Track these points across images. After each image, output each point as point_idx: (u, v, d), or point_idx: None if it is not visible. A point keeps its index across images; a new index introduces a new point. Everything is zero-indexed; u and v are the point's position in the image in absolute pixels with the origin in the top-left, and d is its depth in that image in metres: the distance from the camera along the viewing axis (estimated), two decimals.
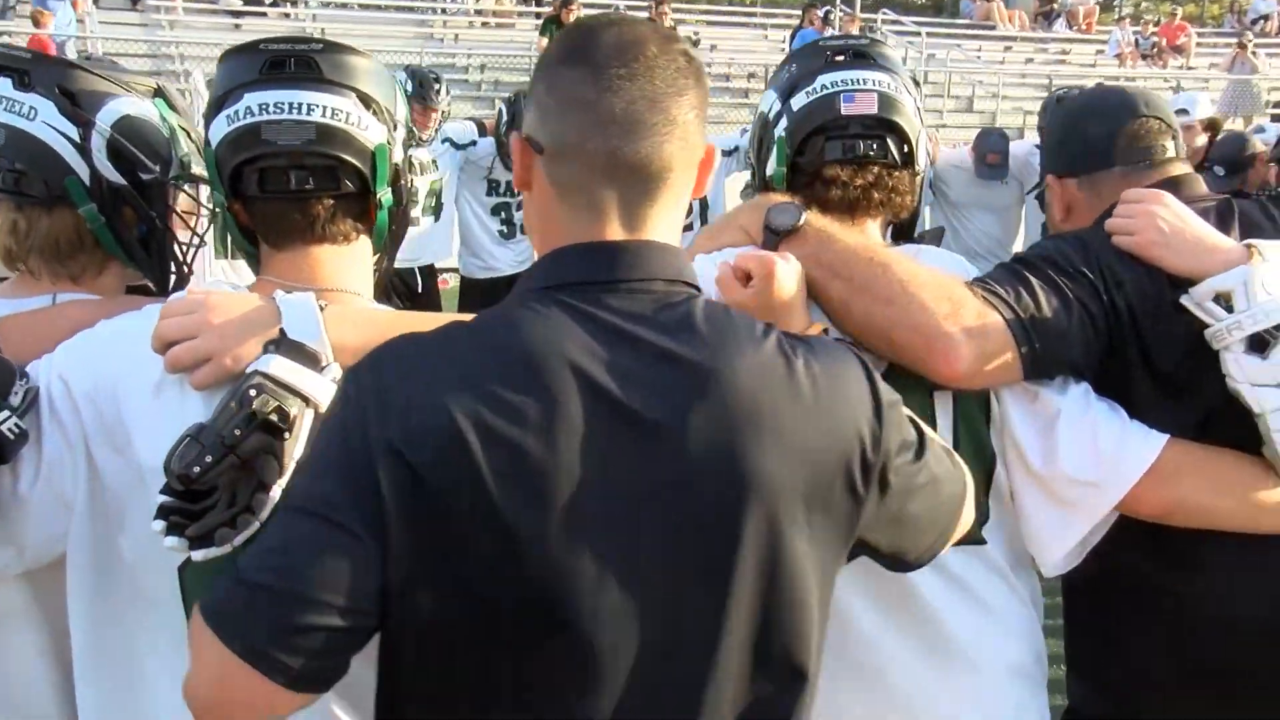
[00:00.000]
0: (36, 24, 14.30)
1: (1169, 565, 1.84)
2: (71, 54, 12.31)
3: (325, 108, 1.51)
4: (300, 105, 1.50)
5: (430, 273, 6.75)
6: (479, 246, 6.85)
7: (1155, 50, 21.49)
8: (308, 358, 1.39)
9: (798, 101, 1.90)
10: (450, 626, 1.16)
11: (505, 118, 6.47)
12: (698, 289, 1.32)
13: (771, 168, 1.94)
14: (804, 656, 1.25)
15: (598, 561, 1.15)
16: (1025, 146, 6.63)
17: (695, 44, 16.52)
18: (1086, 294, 1.77)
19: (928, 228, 6.08)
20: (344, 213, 1.56)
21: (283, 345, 1.40)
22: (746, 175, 7.32)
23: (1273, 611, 1.79)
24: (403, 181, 1.63)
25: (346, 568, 1.11)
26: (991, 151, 6.69)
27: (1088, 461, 1.71)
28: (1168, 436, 1.73)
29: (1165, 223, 1.82)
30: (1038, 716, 1.87)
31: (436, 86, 6.26)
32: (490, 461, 1.12)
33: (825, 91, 1.88)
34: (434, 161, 6.39)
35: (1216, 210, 1.91)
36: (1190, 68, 20.99)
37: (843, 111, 1.86)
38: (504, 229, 6.80)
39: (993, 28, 22.42)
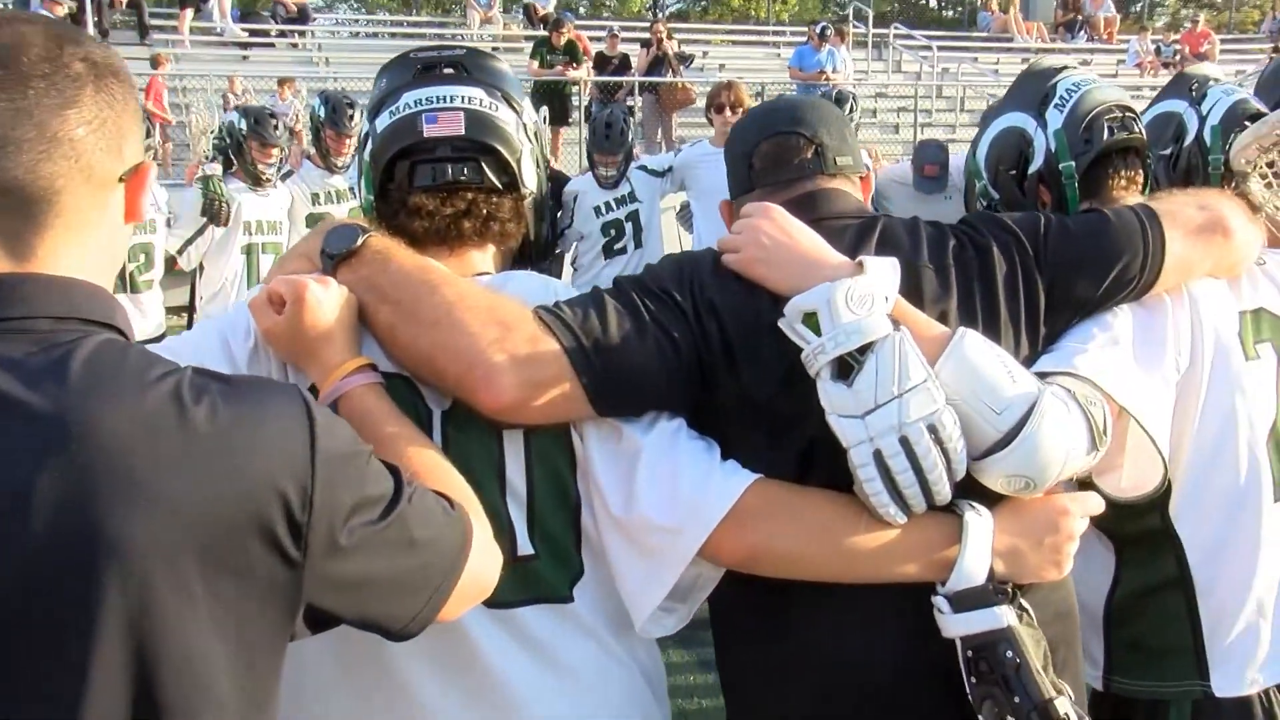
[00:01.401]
0: None
1: (765, 613, 1.66)
2: None
3: None
4: None
5: None
6: None
7: (1177, 58, 21.01)
8: None
9: (382, 122, 1.72)
10: None
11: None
12: (105, 325, 1.16)
13: (361, 196, 1.77)
14: None
15: None
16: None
17: (686, 61, 16.46)
18: (671, 319, 1.59)
19: None
20: None
21: None
22: (682, 196, 7.21)
23: (866, 660, 1.61)
24: None
25: None
26: (929, 163, 6.50)
27: (667, 505, 1.53)
28: (755, 477, 1.55)
29: (768, 238, 1.64)
30: None
31: (350, 112, 6.15)
32: None
33: (408, 111, 1.70)
34: (351, 189, 6.30)
35: (858, 228, 1.73)
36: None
37: (424, 134, 1.68)
38: None
39: (1011, 40, 22.08)
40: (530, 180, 1.76)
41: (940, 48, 20.03)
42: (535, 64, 14.62)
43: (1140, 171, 2.07)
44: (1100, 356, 1.68)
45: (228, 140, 6.06)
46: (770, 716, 1.70)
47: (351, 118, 6.16)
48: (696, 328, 1.60)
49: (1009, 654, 1.48)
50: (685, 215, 7.31)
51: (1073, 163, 2.00)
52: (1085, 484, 1.77)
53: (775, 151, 1.83)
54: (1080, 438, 1.55)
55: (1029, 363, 1.67)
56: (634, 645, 1.69)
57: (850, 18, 20.13)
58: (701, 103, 8.95)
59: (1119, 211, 1.84)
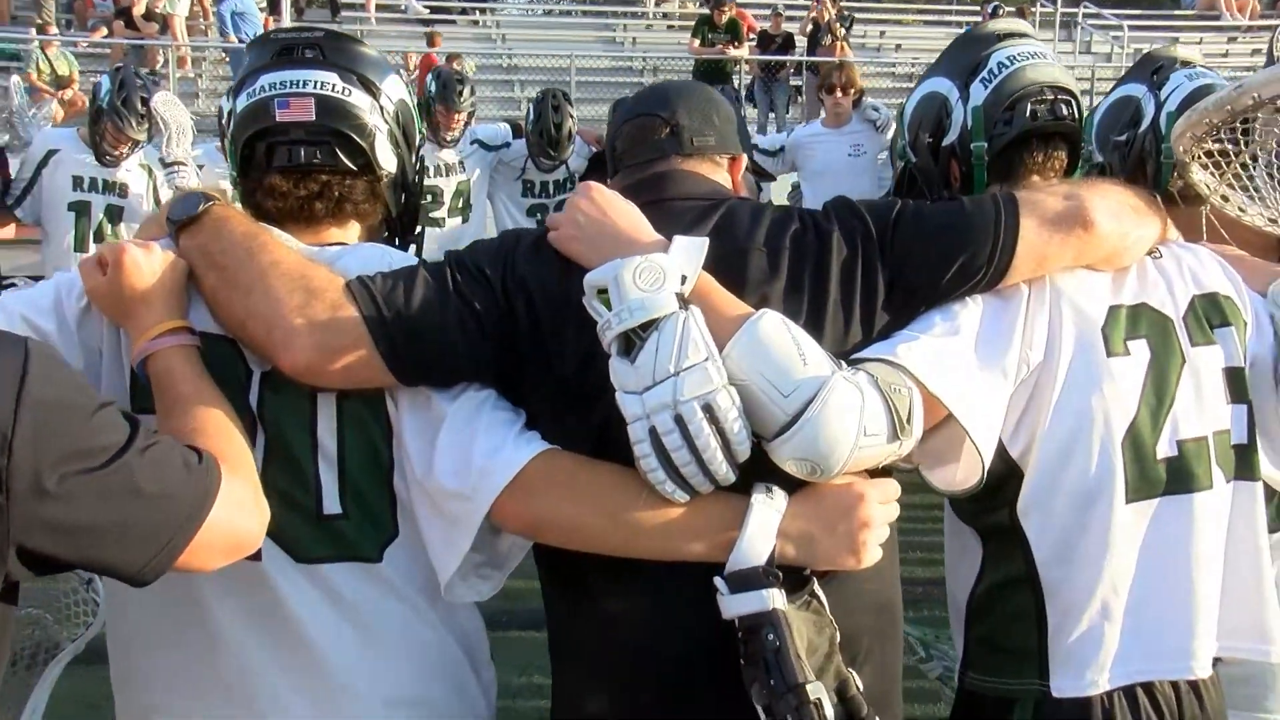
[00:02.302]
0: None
1: (568, 589, 1.69)
2: None
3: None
4: None
5: None
6: None
7: None
8: None
9: (240, 103, 1.81)
10: None
11: (533, 118, 6.51)
12: None
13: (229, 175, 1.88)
14: None
15: None
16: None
17: (846, 23, 15.99)
18: (477, 293, 1.64)
19: None
20: None
21: None
22: (794, 176, 7.16)
23: (659, 639, 1.63)
24: None
25: None
26: None
27: (460, 472, 1.59)
28: (545, 447, 1.60)
29: (584, 215, 1.67)
30: None
31: (460, 88, 6.34)
32: None
33: (262, 95, 1.78)
34: (461, 163, 6.50)
35: (699, 210, 1.74)
36: None
37: (276, 118, 1.76)
38: None
39: (1217, 17, 20.75)
40: (387, 162, 1.83)
41: (1133, 27, 19.01)
42: (696, 42, 14.64)
43: (1063, 158, 1.99)
44: (928, 346, 1.64)
45: None
46: (577, 693, 1.74)
47: (461, 93, 6.34)
48: (503, 302, 1.64)
49: (770, 637, 1.48)
50: (796, 195, 7.26)
51: (985, 143, 1.95)
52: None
53: (633, 133, 1.86)
54: (877, 424, 1.52)
55: (861, 349, 1.65)
56: (451, 611, 1.75)
57: None
58: (867, 83, 8.81)
59: (978, 199, 1.79)
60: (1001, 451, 1.74)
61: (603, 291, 1.55)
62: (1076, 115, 1.98)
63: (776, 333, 1.53)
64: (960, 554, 1.91)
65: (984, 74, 1.95)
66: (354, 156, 1.79)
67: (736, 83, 14.66)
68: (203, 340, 1.63)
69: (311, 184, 1.78)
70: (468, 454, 1.59)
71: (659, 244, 1.62)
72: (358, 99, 1.80)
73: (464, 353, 1.63)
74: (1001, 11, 15.11)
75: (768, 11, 16.57)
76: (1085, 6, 19.96)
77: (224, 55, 15.78)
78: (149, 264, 1.62)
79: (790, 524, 1.56)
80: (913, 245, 1.71)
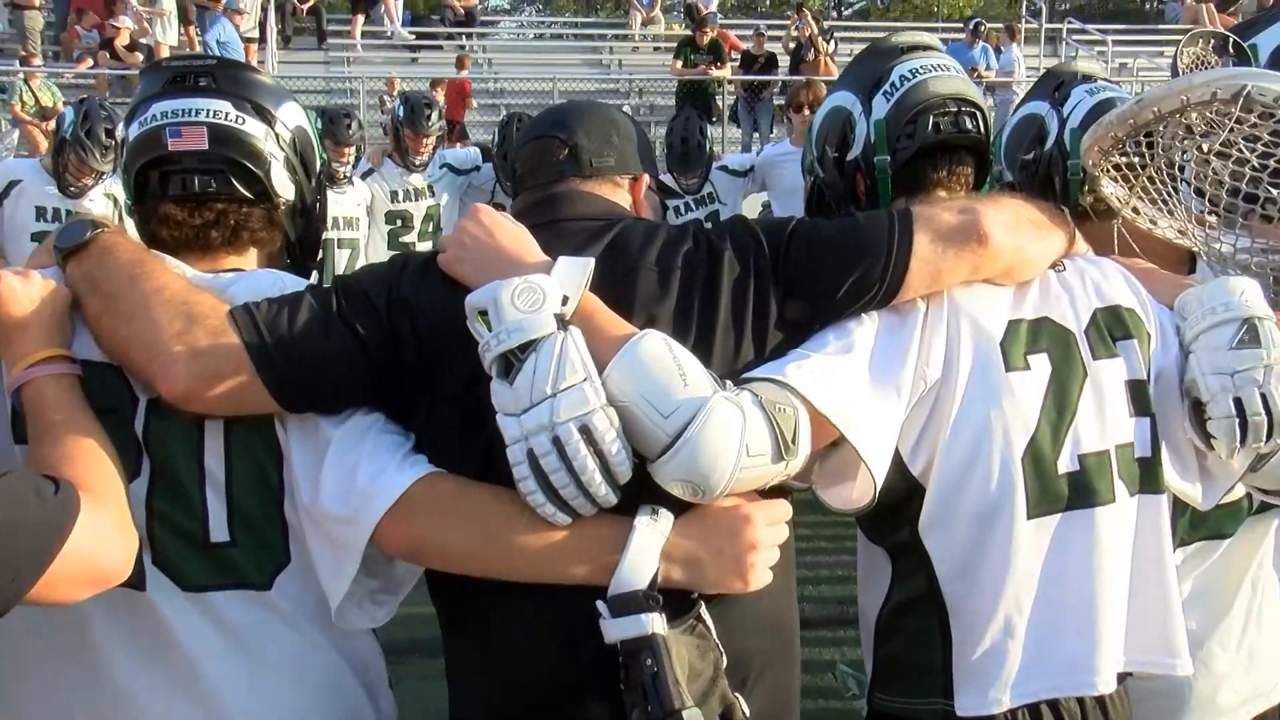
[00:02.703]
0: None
1: (456, 609, 1.69)
2: None
3: None
4: None
5: None
6: None
7: None
8: None
9: (132, 131, 1.80)
10: None
11: (498, 141, 6.52)
12: None
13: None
14: None
15: None
16: None
17: (828, 35, 16.10)
18: (363, 318, 1.63)
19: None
20: None
21: None
22: (764, 195, 7.16)
23: (539, 662, 1.62)
24: None
25: None
26: None
27: (344, 496, 1.57)
28: (428, 470, 1.58)
29: (470, 237, 1.66)
30: None
31: (428, 113, 6.36)
32: None
33: (154, 124, 1.77)
34: (430, 187, 6.51)
35: (593, 231, 1.73)
36: None
37: (169, 148, 1.76)
38: None
39: None
40: (283, 189, 1.84)
41: (1117, 42, 19.10)
42: (679, 64, 14.69)
43: (969, 171, 1.99)
44: (819, 364, 1.63)
45: None
46: (464, 713, 1.72)
47: (429, 118, 6.36)
48: (387, 326, 1.63)
49: (649, 662, 1.46)
50: (767, 214, 7.28)
51: (887, 157, 1.94)
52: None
53: (532, 155, 1.86)
54: (760, 444, 1.51)
55: (753, 368, 1.64)
56: (347, 638, 1.73)
57: (1023, 13, 19.43)
58: None
59: (873, 215, 1.78)
60: (902, 469, 1.73)
61: (484, 313, 1.54)
62: (982, 128, 1.97)
63: (657, 353, 1.52)
64: (871, 572, 1.89)
65: (886, 87, 1.95)
66: (249, 185, 1.79)
67: (720, 103, 14.70)
68: (88, 368, 1.62)
69: (207, 213, 1.78)
70: (352, 478, 1.57)
71: (543, 265, 1.61)
72: (251, 127, 1.80)
73: (348, 378, 1.62)
74: (983, 28, 15.18)
75: (750, 32, 16.65)
76: (1070, 22, 20.11)
77: None
78: (26, 292, 1.61)
79: (675, 546, 1.54)
80: (806, 263, 1.70)
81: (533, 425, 1.47)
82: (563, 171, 1.81)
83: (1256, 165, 1.86)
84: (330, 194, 6.10)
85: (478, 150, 6.98)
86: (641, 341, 1.52)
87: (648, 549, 1.52)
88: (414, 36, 18.70)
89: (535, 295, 1.52)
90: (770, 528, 1.59)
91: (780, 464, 1.54)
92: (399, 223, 6.48)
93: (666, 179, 6.41)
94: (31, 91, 14.10)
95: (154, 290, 1.61)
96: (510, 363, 1.50)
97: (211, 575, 1.64)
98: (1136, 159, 1.97)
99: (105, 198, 5.74)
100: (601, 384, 1.49)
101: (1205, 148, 1.86)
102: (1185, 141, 1.91)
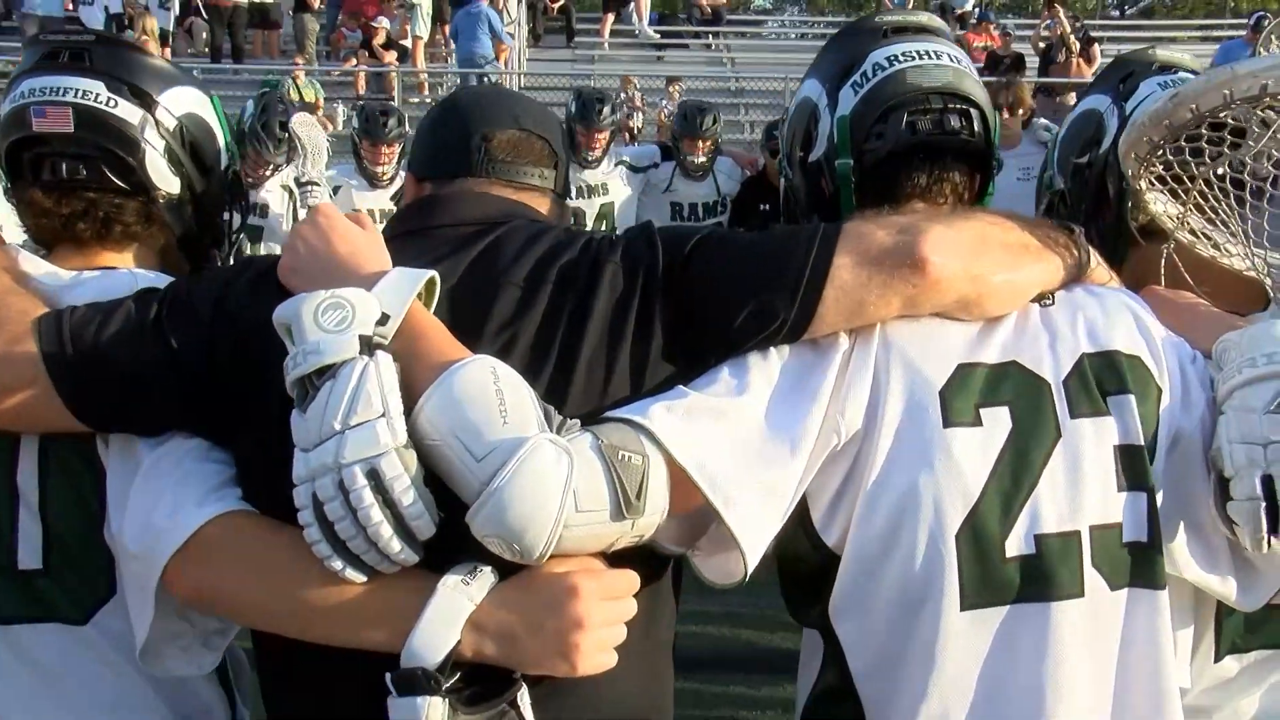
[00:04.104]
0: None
1: (263, 663, 1.48)
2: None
3: None
4: None
5: None
6: None
7: None
8: None
9: (4, 107, 1.68)
10: None
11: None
12: None
13: None
14: None
15: None
16: None
17: (1084, 38, 15.00)
18: (180, 330, 1.44)
19: None
20: None
21: None
22: None
23: None
24: None
25: None
26: None
27: (140, 531, 1.40)
28: (228, 508, 1.38)
29: (304, 242, 1.46)
30: None
31: (599, 107, 6.25)
32: None
33: (20, 101, 1.65)
34: (604, 184, 6.41)
35: (467, 236, 1.51)
36: None
37: (33, 128, 1.63)
38: None
39: None
40: (162, 181, 1.70)
41: None
42: None
43: (959, 180, 1.65)
44: (695, 406, 1.35)
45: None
46: None
47: (600, 112, 6.37)
48: (206, 337, 1.44)
49: None
50: None
51: (850, 160, 1.63)
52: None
53: (439, 147, 1.66)
54: (594, 498, 1.25)
55: (627, 402, 1.38)
56: (183, 684, 1.57)
57: None
58: None
59: (795, 230, 1.48)
60: (814, 538, 1.43)
61: (289, 331, 1.35)
62: (978, 128, 1.63)
63: (478, 385, 1.28)
64: (809, 651, 1.58)
65: (855, 77, 1.63)
66: (122, 174, 1.67)
67: None
68: None
69: (75, 202, 1.66)
70: (151, 512, 1.40)
71: (375, 276, 1.40)
72: (125, 111, 1.67)
73: (156, 395, 1.44)
74: (1266, 22, 13.75)
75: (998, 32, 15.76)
76: None
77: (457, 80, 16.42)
78: None
79: (488, 616, 1.29)
80: (703, 284, 1.43)
81: (318, 465, 1.26)
82: (460, 168, 1.60)
83: None
84: (367, 190, 6.16)
85: (656, 148, 6.84)
86: (461, 370, 1.29)
87: (447, 617, 1.28)
88: (659, 35, 18.75)
89: (343, 312, 1.31)
90: (606, 602, 1.31)
91: (623, 523, 1.27)
92: (573, 221, 6.43)
93: None
94: (297, 88, 15.03)
95: None
96: (307, 389, 1.30)
97: (19, 606, 1.52)
98: (1181, 167, 1.58)
99: (281, 189, 5.92)
100: (414, 420, 1.27)
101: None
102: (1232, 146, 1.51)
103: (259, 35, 17.06)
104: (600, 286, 1.43)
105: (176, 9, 16.34)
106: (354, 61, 16.61)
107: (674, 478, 1.31)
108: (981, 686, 1.39)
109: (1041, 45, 14.63)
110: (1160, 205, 1.67)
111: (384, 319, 1.32)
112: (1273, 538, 1.37)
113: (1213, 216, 1.60)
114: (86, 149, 1.65)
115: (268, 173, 5.77)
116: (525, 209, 1.60)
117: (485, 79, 14.95)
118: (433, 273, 1.39)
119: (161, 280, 1.62)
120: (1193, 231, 1.65)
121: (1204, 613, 1.55)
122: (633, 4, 18.60)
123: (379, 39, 16.21)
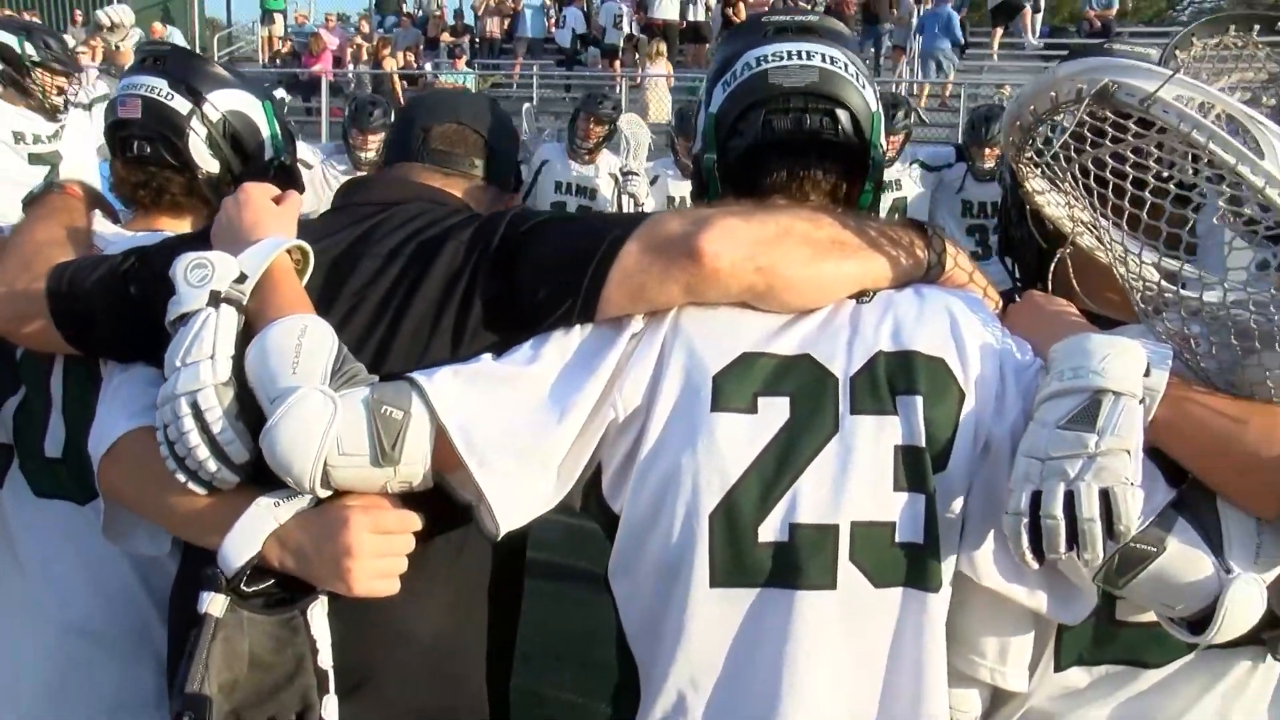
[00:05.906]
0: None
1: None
2: None
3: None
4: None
5: None
6: None
7: None
8: None
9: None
10: None
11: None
12: None
13: None
14: None
15: None
16: None
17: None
18: (137, 281, 1.72)
19: None
20: None
21: None
22: None
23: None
24: None
25: None
26: None
27: (91, 436, 1.70)
28: (141, 424, 1.64)
29: (224, 213, 1.72)
30: None
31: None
32: None
33: (119, 93, 2.12)
34: (897, 181, 6.50)
35: (362, 213, 1.72)
36: None
37: (118, 114, 2.11)
38: (979, 249, 6.52)
39: None
40: (204, 161, 2.10)
41: None
42: None
43: (824, 179, 1.66)
44: (476, 374, 1.49)
45: None
46: None
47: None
48: (150, 291, 1.71)
49: (194, 638, 1.46)
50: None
51: (714, 155, 1.69)
52: None
53: (395, 136, 1.94)
54: (355, 443, 1.43)
55: (445, 363, 1.54)
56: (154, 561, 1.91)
57: None
58: None
59: (606, 217, 1.61)
60: (603, 504, 1.53)
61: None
62: (845, 128, 1.62)
63: (282, 339, 1.49)
64: None
65: (727, 76, 1.67)
66: (173, 153, 2.08)
67: None
68: None
69: (139, 173, 2.10)
70: (100, 421, 1.72)
71: (255, 242, 1.63)
72: (178, 103, 2.08)
73: (121, 331, 1.75)
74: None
75: None
76: None
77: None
78: None
79: (290, 535, 1.49)
80: (525, 262, 1.56)
81: (164, 394, 1.52)
82: (405, 153, 1.86)
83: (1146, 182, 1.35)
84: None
85: (951, 149, 6.81)
86: (273, 327, 1.50)
87: (251, 531, 1.49)
88: (1043, 46, 17.99)
89: (204, 271, 1.56)
90: (377, 535, 1.48)
91: (384, 469, 1.44)
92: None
93: None
94: None
95: (26, 240, 1.88)
96: (172, 333, 1.57)
97: (48, 485, 1.94)
98: (1046, 169, 1.51)
99: (609, 176, 7.08)
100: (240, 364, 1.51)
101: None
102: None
103: None
104: (440, 258, 1.59)
105: None
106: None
107: (441, 436, 1.46)
108: (729, 662, 1.44)
109: None
110: (1052, 209, 1.60)
111: (242, 278, 1.57)
112: (1030, 553, 1.32)
113: (1092, 222, 1.52)
114: (149, 132, 2.08)
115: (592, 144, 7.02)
116: (439, 193, 1.79)
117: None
118: (295, 242, 1.61)
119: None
120: (1072, 220, 1.57)
121: (1043, 620, 1.50)
122: (1021, 17, 18.03)
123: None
